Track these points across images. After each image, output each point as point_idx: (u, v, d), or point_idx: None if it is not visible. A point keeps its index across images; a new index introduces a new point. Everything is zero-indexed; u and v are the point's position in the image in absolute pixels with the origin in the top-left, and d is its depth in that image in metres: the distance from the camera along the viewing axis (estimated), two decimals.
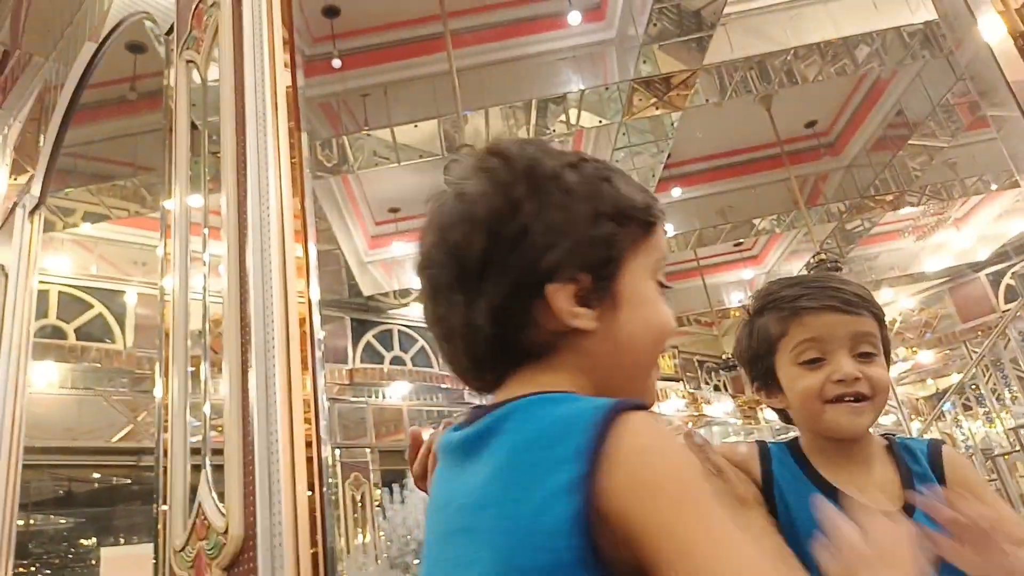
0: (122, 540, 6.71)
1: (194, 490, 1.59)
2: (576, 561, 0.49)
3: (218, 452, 1.56)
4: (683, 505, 0.50)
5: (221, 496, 1.47)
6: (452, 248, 0.62)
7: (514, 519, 0.52)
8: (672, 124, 6.16)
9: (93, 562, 6.15)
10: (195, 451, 1.64)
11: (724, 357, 9.52)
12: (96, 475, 6.69)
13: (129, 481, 6.81)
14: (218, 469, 1.52)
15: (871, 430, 0.97)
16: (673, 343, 10.06)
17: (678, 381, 9.83)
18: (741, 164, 7.37)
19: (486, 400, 0.63)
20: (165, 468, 1.72)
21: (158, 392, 1.73)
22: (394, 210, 6.99)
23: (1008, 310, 8.54)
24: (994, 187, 7.89)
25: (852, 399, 0.94)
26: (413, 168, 6.11)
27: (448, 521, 0.59)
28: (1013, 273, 8.71)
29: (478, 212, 0.61)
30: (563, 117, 6.09)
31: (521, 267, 0.60)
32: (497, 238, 0.60)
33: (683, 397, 9.70)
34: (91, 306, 5.95)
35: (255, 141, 1.65)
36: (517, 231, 0.60)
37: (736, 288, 9.79)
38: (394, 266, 7.37)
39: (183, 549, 1.54)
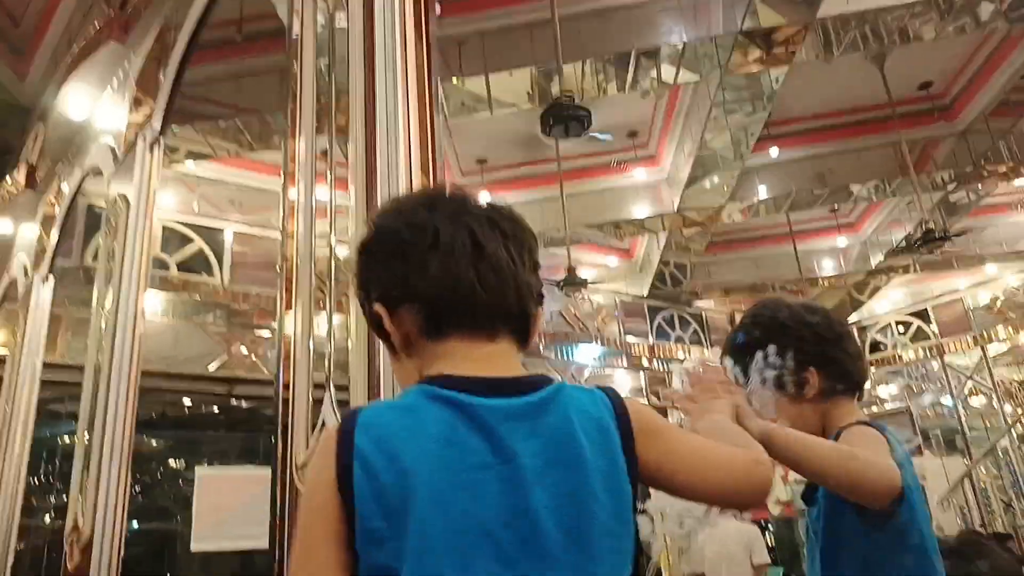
0: (206, 463, 7.10)
1: (314, 417, 1.67)
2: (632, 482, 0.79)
3: (341, 388, 1.62)
4: (671, 428, 0.84)
5: None
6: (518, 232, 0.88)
7: (604, 465, 0.77)
8: (775, 81, 5.87)
9: (181, 482, 6.56)
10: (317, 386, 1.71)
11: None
12: (188, 401, 7.08)
13: (217, 410, 7.18)
14: (341, 402, 1.60)
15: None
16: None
17: None
18: (845, 126, 7.01)
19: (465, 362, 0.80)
20: (286, 399, 1.79)
21: (288, 327, 1.79)
22: (481, 161, 6.99)
23: None
24: None
25: None
26: (502, 119, 6.07)
27: (515, 473, 0.73)
28: None
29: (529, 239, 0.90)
30: (654, 72, 5.89)
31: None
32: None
33: None
34: (191, 241, 6.22)
35: (385, 84, 1.66)
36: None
37: (829, 256, 9.41)
38: None
39: (305, 465, 1.63)
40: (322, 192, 1.91)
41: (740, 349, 1.28)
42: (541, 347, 7.78)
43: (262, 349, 6.43)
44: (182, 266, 6.14)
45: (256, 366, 6.47)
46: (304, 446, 1.68)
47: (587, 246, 7.95)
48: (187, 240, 6.21)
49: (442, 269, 0.80)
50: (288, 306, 1.83)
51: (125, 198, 3.11)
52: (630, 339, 8.44)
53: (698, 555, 5.32)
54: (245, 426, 6.59)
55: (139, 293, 2.97)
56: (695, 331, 9.18)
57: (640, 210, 7.24)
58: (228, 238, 6.39)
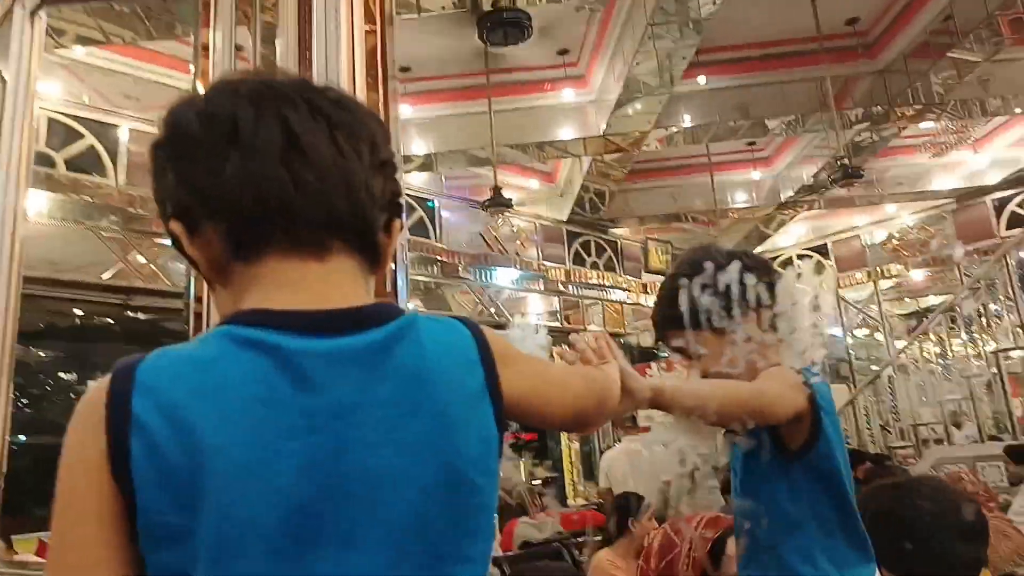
0: (99, 376, 6.73)
1: None
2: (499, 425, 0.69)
3: None
4: (525, 355, 0.77)
5: None
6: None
7: (469, 409, 0.67)
8: (711, 3, 5.76)
9: (73, 395, 6.19)
10: None
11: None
12: (79, 312, 6.61)
13: (112, 321, 6.76)
14: None
15: None
16: (667, 239, 10.00)
17: None
18: (772, 57, 7.02)
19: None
20: (198, 313, 1.62)
21: None
22: (404, 69, 6.61)
23: (1009, 237, 8.56)
24: (1018, 111, 7.66)
25: None
26: (429, 27, 5.72)
27: (344, 436, 0.60)
28: (1021, 202, 8.62)
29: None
30: None
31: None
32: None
33: None
34: (82, 136, 5.64)
35: None
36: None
37: (742, 189, 9.62)
38: (401, 129, 7.08)
39: None
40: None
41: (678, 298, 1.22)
42: (460, 269, 7.67)
43: (163, 258, 6.01)
44: (71, 164, 5.57)
45: (156, 276, 6.06)
46: None
47: (510, 167, 7.78)
48: (76, 135, 5.62)
49: (242, 170, 0.62)
50: None
51: (0, 76, 2.70)
52: (548, 264, 8.44)
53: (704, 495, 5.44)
54: (145, 339, 6.23)
55: (19, 190, 2.63)
56: (610, 257, 9.28)
57: (565, 132, 7.10)
58: (124, 136, 5.82)
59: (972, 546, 1.55)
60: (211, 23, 1.78)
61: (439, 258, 7.43)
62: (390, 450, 0.60)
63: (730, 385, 1.08)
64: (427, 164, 7.03)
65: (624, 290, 9.21)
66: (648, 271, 9.53)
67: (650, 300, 9.41)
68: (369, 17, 1.45)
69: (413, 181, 7.52)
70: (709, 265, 1.18)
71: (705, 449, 1.12)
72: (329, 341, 0.62)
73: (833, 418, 1.15)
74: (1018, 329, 7.73)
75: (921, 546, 1.35)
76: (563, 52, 6.66)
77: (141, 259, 6.01)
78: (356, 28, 1.41)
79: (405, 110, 6.85)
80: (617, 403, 0.85)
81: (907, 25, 6.58)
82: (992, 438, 7.75)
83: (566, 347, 0.91)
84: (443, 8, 5.23)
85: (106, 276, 5.98)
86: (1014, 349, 7.78)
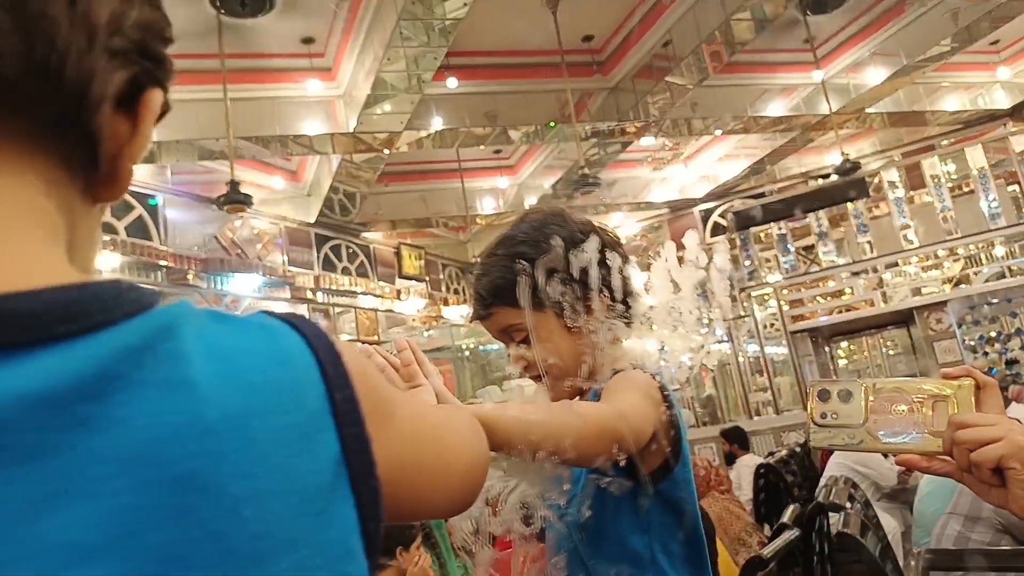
0: None
1: None
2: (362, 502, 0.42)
3: None
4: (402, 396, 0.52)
5: None
6: None
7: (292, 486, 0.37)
8: (459, 8, 5.76)
9: None
10: None
11: (475, 262, 9.63)
12: None
13: None
14: None
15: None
16: (420, 244, 9.93)
17: (421, 281, 9.78)
18: (517, 67, 7.25)
19: None
20: None
21: None
22: None
23: (712, 243, 9.80)
24: (718, 132, 8.81)
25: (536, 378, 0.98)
26: None
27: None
28: (723, 212, 9.92)
29: None
30: None
31: None
32: None
33: (424, 297, 9.69)
34: None
35: None
36: None
37: (489, 195, 9.87)
38: None
39: None
40: None
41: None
42: (190, 275, 6.82)
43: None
44: None
45: None
46: None
47: (249, 163, 7.11)
48: None
49: None
50: None
51: None
52: (294, 269, 7.87)
53: None
54: None
55: None
56: (363, 263, 8.95)
57: (311, 126, 6.66)
58: None
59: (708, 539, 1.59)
60: None
61: (163, 263, 6.52)
62: None
63: (588, 410, 0.80)
64: (148, 154, 6.14)
65: (377, 296, 8.93)
66: (402, 276, 9.36)
67: (404, 306, 9.27)
68: None
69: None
70: (562, 231, 0.96)
71: (555, 495, 0.87)
72: None
73: (686, 435, 0.97)
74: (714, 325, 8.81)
75: None
76: (308, 40, 6.22)
77: None
78: None
79: None
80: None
81: (634, 47, 7.19)
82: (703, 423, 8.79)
83: None
84: None
85: None
86: (714, 344, 8.93)
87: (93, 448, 0.30)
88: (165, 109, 0.40)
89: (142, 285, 0.36)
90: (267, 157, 7.02)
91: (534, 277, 0.94)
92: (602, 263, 0.95)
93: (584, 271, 0.94)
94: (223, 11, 3.95)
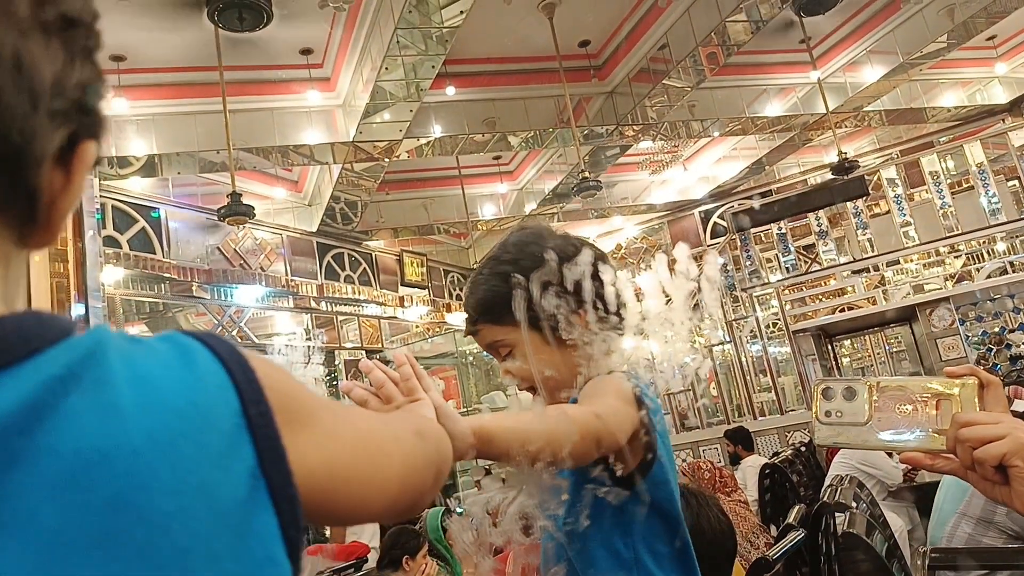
0: None
1: None
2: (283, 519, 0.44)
3: None
4: (321, 404, 0.52)
5: None
6: None
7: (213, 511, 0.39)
8: (456, 16, 5.79)
9: None
10: None
11: (474, 267, 9.64)
12: None
13: None
14: None
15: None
16: (421, 251, 9.96)
17: (424, 288, 9.80)
18: (515, 73, 7.28)
19: None
20: None
21: None
22: (118, 58, 5.74)
23: (713, 244, 9.82)
24: (716, 134, 8.83)
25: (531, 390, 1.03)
26: (151, 10, 5.01)
27: None
28: (723, 213, 9.93)
29: None
30: None
31: None
32: None
33: (427, 304, 9.71)
34: None
35: None
36: None
37: (490, 201, 9.89)
38: (113, 127, 6.12)
39: None
40: None
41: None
42: (194, 287, 6.84)
43: None
44: None
45: None
46: None
47: (250, 174, 7.14)
48: None
49: None
50: None
51: None
52: (297, 279, 7.90)
53: None
54: None
55: None
56: (365, 271, 8.97)
57: (312, 136, 6.68)
58: None
59: (732, 541, 1.62)
60: None
61: (167, 275, 6.55)
62: None
63: (571, 414, 0.83)
64: (150, 167, 6.17)
65: (380, 304, 8.95)
66: (404, 284, 9.38)
67: (408, 314, 9.28)
68: None
69: (134, 187, 6.57)
70: (540, 249, 1.00)
71: (553, 505, 0.90)
72: None
73: (665, 437, 0.99)
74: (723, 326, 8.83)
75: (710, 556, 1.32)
76: (307, 52, 6.25)
77: None
78: None
79: (120, 105, 5.94)
80: (449, 462, 0.61)
81: (630, 51, 7.22)
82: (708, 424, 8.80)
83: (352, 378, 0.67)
84: None
85: None
86: (720, 344, 8.94)
87: (23, 482, 0.31)
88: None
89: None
90: (268, 168, 7.05)
91: (513, 295, 0.98)
92: (581, 278, 0.97)
93: (561, 287, 0.97)
94: (222, 26, 3.97)
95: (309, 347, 7.53)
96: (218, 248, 7.10)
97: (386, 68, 5.98)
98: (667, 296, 1.01)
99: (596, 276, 0.97)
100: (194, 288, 6.84)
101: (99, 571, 0.31)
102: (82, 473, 0.32)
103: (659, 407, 1.01)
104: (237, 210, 5.22)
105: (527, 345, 1.00)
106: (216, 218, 5.85)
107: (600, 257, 1.02)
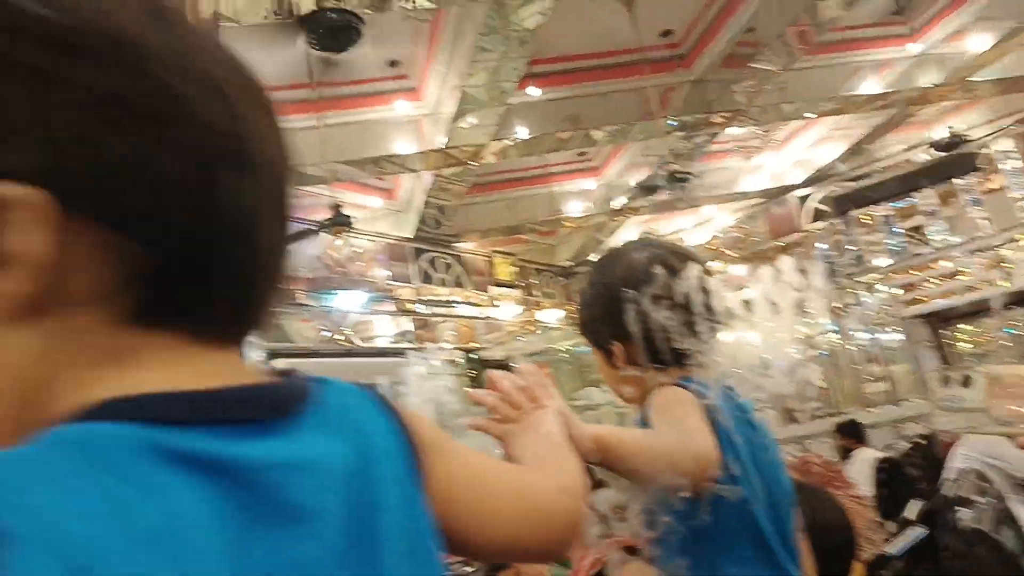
0: None
1: None
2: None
3: None
4: (456, 446, 0.59)
5: None
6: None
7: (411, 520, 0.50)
8: (538, 17, 5.83)
9: None
10: None
11: (564, 267, 9.72)
12: None
13: None
14: None
15: None
16: (512, 251, 10.07)
17: (514, 288, 9.91)
18: (597, 68, 7.26)
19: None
20: None
21: None
22: None
23: (812, 230, 9.46)
24: (810, 115, 8.49)
25: None
26: (251, 37, 5.32)
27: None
28: (823, 197, 9.55)
29: None
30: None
31: None
32: None
33: (520, 303, 9.82)
34: None
35: None
36: None
37: (576, 198, 9.89)
38: None
39: None
40: None
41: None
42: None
43: None
44: None
45: None
46: None
47: (346, 185, 7.44)
48: None
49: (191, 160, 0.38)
50: None
51: None
52: (394, 283, 8.16)
53: None
54: None
55: None
56: (457, 273, 9.17)
57: (403, 146, 6.90)
58: None
59: (850, 534, 1.58)
60: None
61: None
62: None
63: (684, 441, 0.88)
64: None
65: (474, 304, 9.12)
66: (496, 284, 9.52)
67: (500, 313, 9.41)
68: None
69: None
70: (620, 270, 1.08)
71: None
72: (262, 443, 0.37)
73: (743, 434, 0.98)
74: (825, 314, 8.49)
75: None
76: (394, 64, 6.46)
77: None
78: None
79: None
80: (576, 517, 0.63)
81: (715, 37, 7.06)
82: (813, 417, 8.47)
83: (480, 387, 0.74)
84: (264, 18, 4.86)
85: None
86: (824, 333, 8.60)
87: (325, 473, 0.41)
88: None
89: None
90: (363, 178, 7.32)
91: (595, 316, 1.10)
92: (662, 296, 1.01)
93: (639, 310, 1.01)
94: (317, 47, 4.19)
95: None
96: (319, 257, 7.43)
97: (470, 74, 6.11)
98: (772, 303, 1.03)
99: (684, 287, 1.00)
100: (299, 296, 7.18)
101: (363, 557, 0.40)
102: (354, 483, 0.42)
103: (748, 405, 1.03)
104: (338, 220, 5.46)
105: (609, 362, 1.09)
106: (317, 229, 6.14)
107: (685, 267, 1.04)
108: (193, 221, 0.37)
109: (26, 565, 0.26)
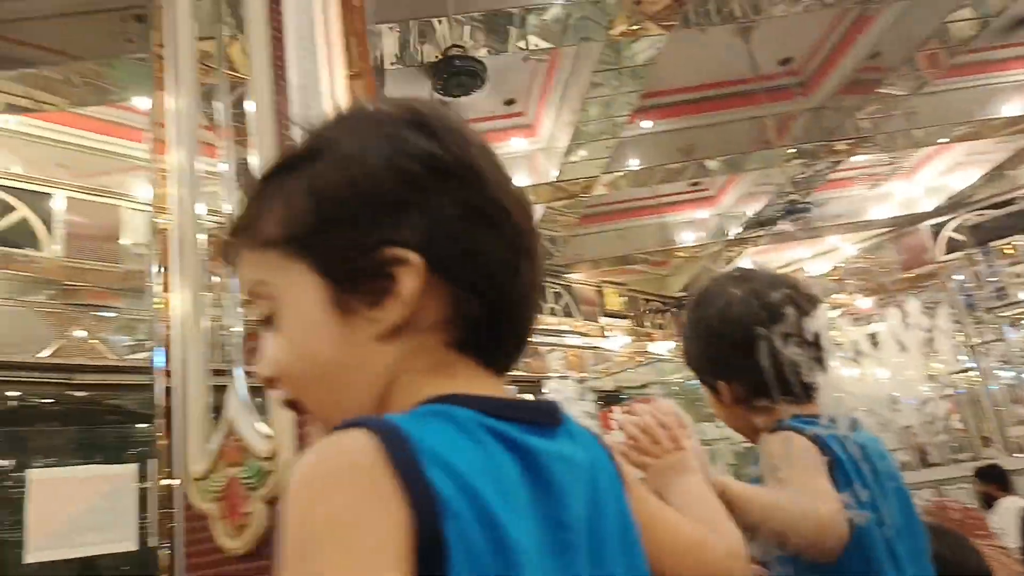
0: (41, 463, 6.30)
1: (216, 410, 1.35)
2: None
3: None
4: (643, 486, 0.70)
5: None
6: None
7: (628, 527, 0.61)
8: (653, 51, 5.89)
9: (9, 483, 5.75)
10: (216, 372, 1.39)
11: (677, 297, 9.59)
12: (15, 392, 6.21)
13: (52, 400, 6.36)
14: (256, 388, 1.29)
15: None
16: (621, 281, 10.05)
17: (624, 319, 9.88)
18: (712, 99, 7.20)
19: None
20: (169, 387, 1.46)
21: (172, 307, 1.45)
22: None
23: (948, 261, 8.88)
24: (943, 140, 8.03)
25: None
26: (378, 83, 5.67)
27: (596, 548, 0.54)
28: (959, 226, 8.97)
29: None
30: (523, 42, 5.70)
31: None
32: None
33: (629, 334, 9.77)
34: (14, 208, 5.36)
35: (298, 19, 1.33)
36: None
37: (687, 228, 9.77)
38: None
39: (206, 477, 1.30)
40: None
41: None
42: None
43: (104, 332, 5.69)
44: (5, 239, 5.27)
45: (96, 350, 5.73)
46: (203, 439, 1.35)
47: None
48: (8, 207, 5.34)
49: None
50: (167, 284, 1.49)
51: None
52: None
53: None
54: (87, 419, 5.85)
55: None
56: (566, 304, 9.26)
57: (517, 180, 7.07)
58: (59, 205, 5.55)
59: None
60: (167, 86, 1.67)
61: None
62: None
63: (813, 509, 0.86)
64: None
65: (582, 335, 9.16)
66: (605, 314, 9.53)
67: (608, 343, 9.40)
68: (351, 63, 1.36)
69: None
70: (718, 305, 1.06)
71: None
72: (543, 440, 0.53)
73: (864, 479, 0.93)
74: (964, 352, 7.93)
75: None
76: (510, 102, 6.70)
77: (81, 333, 5.68)
78: (335, 75, 1.32)
79: None
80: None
81: (838, 64, 6.85)
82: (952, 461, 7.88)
83: (614, 420, 0.80)
84: (391, 63, 5.20)
85: (44, 354, 5.63)
86: (962, 372, 8.01)
87: (583, 474, 0.56)
88: None
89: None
90: None
91: (697, 354, 1.09)
92: (763, 333, 0.95)
93: (740, 349, 0.99)
94: (443, 93, 4.45)
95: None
96: None
97: (584, 109, 6.24)
98: (900, 345, 1.02)
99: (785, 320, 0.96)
100: None
101: (613, 547, 0.56)
102: (597, 487, 0.58)
103: (874, 440, 0.99)
104: None
105: (717, 396, 1.08)
106: None
107: (778, 306, 0.99)
108: (503, 287, 0.56)
109: (430, 475, 0.43)
